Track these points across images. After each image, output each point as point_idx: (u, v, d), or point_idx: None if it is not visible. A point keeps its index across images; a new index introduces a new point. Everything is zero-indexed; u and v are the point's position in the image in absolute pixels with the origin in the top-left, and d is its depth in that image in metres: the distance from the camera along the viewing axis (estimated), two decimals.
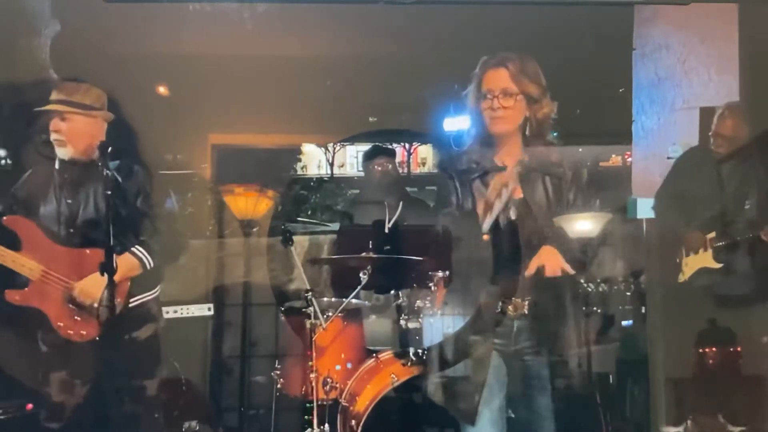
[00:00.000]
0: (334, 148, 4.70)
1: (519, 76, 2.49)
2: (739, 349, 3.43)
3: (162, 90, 4.04)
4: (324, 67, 4.25)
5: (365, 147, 4.79)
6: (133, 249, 2.99)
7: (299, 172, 4.65)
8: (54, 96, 2.98)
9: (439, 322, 3.44)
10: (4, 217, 2.90)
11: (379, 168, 3.89)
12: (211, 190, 4.08)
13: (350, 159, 4.77)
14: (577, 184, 2.61)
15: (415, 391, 3.19)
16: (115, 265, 2.69)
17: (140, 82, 3.77)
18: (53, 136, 2.96)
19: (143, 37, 3.74)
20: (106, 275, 2.73)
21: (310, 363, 3.25)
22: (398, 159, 4.22)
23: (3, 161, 3.74)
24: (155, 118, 3.61)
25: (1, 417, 3.07)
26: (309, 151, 4.68)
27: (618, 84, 4.29)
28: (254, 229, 3.64)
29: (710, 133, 3.64)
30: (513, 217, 2.51)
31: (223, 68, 4.05)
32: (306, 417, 3.35)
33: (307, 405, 3.31)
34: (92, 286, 2.89)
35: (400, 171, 4.11)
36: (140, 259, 3.00)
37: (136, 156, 3.12)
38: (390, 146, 4.12)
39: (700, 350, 3.46)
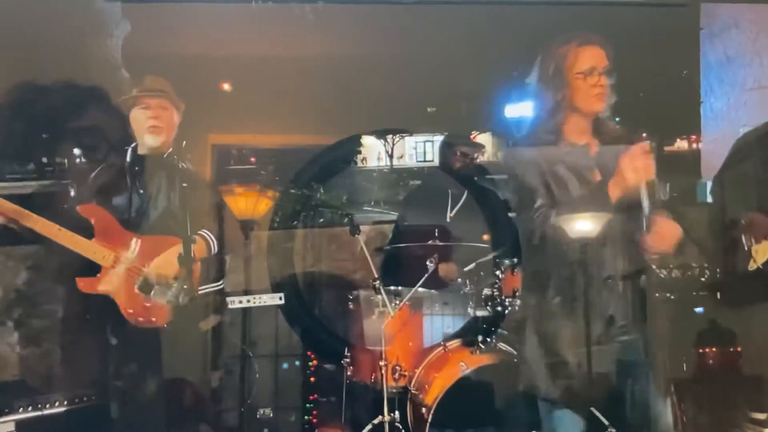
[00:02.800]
0: (393, 140, 4.71)
1: (611, 57, 2.48)
2: None
3: (227, 87, 4.10)
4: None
5: (423, 138, 4.80)
6: (200, 231, 3.02)
7: (359, 164, 4.68)
8: (147, 85, 3.04)
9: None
10: (79, 206, 2.96)
11: (460, 156, 3.82)
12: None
13: (409, 150, 4.77)
14: None
15: (486, 379, 3.18)
16: (193, 254, 2.75)
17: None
18: (151, 123, 3.00)
19: (144, 37, 3.74)
20: (179, 253, 2.84)
21: (379, 351, 3.28)
22: None
23: (78, 159, 3.85)
24: None
25: (74, 406, 3.10)
26: (368, 144, 4.70)
27: (683, 65, 4.18)
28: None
29: None
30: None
31: (225, 68, 4.06)
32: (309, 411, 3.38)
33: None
34: (165, 265, 2.92)
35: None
36: (207, 241, 3.04)
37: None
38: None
39: None
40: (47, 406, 3.07)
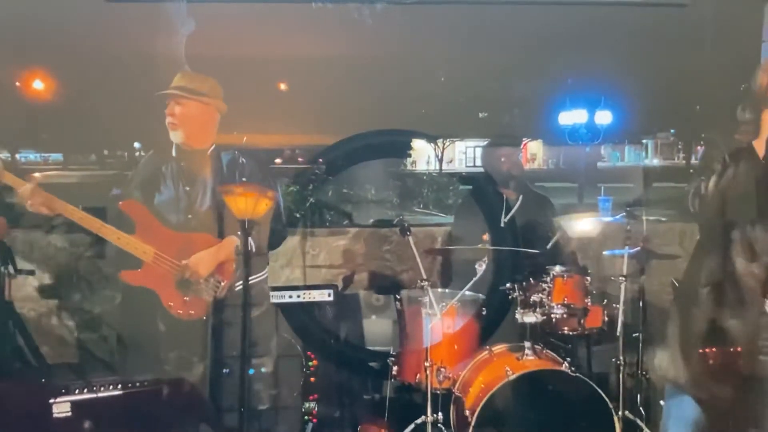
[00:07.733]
0: (443, 145, 4.73)
1: None
2: None
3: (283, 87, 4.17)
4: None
5: (474, 143, 4.82)
6: (239, 233, 2.99)
7: (408, 167, 4.71)
8: (173, 83, 3.13)
9: None
10: (120, 202, 3.03)
11: (504, 159, 3.85)
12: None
13: (459, 155, 4.79)
14: None
15: (531, 386, 3.16)
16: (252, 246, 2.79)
17: (145, 83, 3.82)
18: (168, 120, 3.09)
19: (146, 37, 3.76)
20: (212, 253, 2.94)
21: (424, 352, 3.29)
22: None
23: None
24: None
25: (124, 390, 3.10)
26: (419, 147, 4.73)
27: (744, 79, 4.10)
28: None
29: None
30: None
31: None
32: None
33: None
34: (199, 264, 2.99)
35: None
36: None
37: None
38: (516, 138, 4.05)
39: None
40: (102, 388, 3.14)
